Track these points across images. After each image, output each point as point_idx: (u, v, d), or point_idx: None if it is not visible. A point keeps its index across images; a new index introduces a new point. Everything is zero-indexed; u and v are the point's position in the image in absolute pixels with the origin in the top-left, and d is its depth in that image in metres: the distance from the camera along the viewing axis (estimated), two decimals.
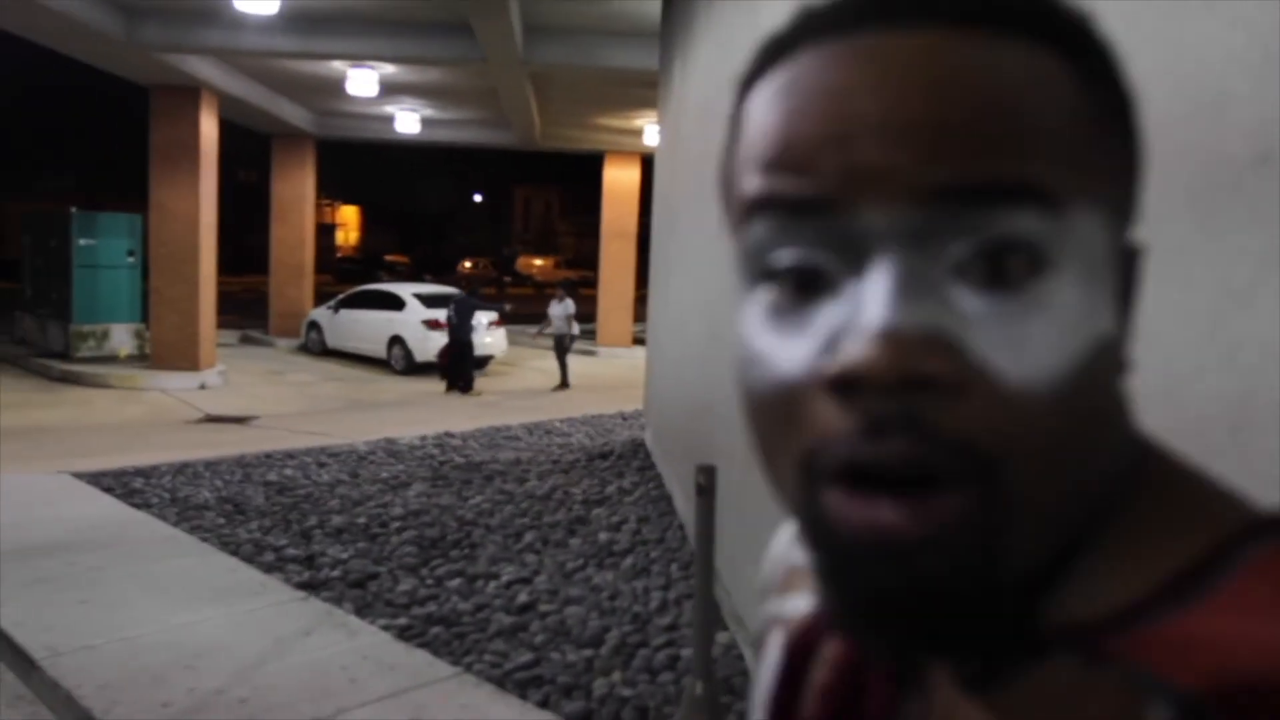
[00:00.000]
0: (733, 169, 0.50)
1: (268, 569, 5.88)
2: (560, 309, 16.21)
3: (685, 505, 7.08)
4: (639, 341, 23.82)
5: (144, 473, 8.28)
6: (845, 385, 0.43)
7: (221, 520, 6.93)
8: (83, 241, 16.35)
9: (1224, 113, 1.09)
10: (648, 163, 23.28)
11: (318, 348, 19.78)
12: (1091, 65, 0.47)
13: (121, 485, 7.82)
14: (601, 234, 23.05)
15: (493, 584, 5.68)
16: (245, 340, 21.44)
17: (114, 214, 17.06)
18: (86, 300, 16.35)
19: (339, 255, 57.46)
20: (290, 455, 9.26)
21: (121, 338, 16.64)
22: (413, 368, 17.37)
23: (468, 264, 58.94)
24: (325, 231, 57.71)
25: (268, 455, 9.15)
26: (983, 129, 0.42)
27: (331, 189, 61.42)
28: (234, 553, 6.17)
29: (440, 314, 16.65)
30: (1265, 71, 1.02)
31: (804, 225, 0.45)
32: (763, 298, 0.48)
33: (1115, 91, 0.48)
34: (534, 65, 12.94)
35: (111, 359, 16.30)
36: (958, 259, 0.43)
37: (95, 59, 13.45)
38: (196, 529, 6.68)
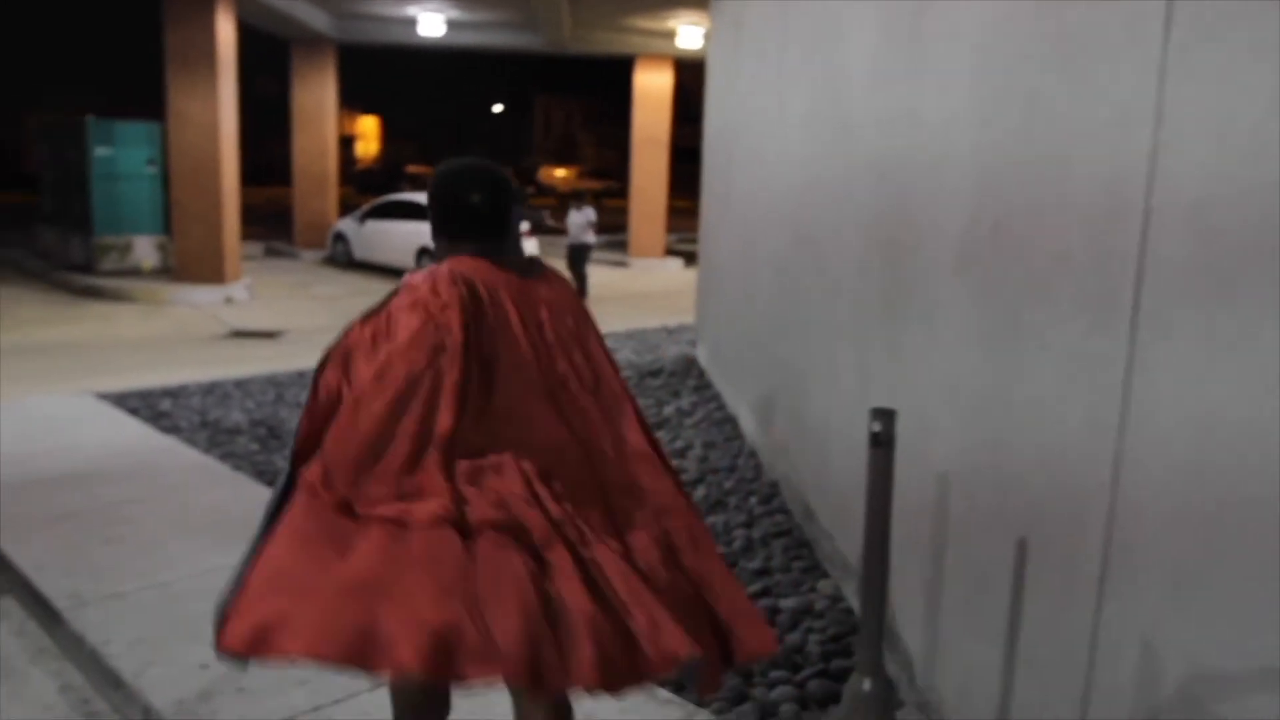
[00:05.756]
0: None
1: None
2: (580, 217, 15.54)
3: (755, 430, 6.52)
4: (672, 252, 23.12)
5: (172, 393, 7.79)
6: None
7: (255, 446, 6.44)
8: (100, 151, 15.69)
9: None
10: (680, 66, 22.34)
11: (344, 259, 19.24)
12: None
13: (148, 407, 7.33)
14: (632, 141, 22.18)
15: None
16: (270, 253, 20.88)
17: (131, 122, 16.30)
18: (108, 211, 15.75)
19: (358, 168, 56.39)
20: None
21: (145, 250, 16.08)
22: None
23: None
24: (344, 143, 56.55)
25: (300, 374, 8.65)
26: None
27: (350, 100, 60.19)
28: (270, 483, 5.68)
29: None
30: None
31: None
32: None
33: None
34: None
35: (135, 272, 15.79)
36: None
37: None
38: (229, 456, 6.18)
